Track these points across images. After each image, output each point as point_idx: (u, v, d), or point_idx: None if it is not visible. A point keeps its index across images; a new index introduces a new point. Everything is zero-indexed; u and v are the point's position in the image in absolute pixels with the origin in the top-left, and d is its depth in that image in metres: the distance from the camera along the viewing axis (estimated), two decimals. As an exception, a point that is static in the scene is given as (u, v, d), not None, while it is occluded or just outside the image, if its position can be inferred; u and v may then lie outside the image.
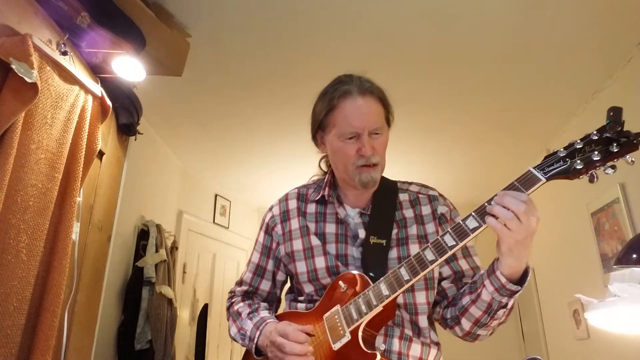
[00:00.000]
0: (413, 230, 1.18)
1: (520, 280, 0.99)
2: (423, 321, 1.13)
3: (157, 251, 2.70)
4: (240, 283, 1.34)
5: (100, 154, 1.98)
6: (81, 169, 1.70)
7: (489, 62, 2.42)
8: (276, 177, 3.90)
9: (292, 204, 1.28)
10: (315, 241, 1.19)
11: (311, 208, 1.25)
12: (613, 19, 2.10)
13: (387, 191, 1.24)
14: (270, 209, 1.32)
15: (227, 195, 4.26)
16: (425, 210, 1.21)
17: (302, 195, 1.29)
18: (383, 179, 1.25)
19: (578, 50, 2.31)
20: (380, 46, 2.31)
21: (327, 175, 1.29)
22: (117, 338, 2.51)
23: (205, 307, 3.63)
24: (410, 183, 1.29)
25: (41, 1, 1.59)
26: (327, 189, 1.24)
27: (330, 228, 1.20)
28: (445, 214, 1.22)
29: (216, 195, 4.13)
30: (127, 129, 2.24)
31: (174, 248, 3.06)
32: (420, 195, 1.25)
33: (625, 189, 2.38)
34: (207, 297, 3.79)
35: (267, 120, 3.01)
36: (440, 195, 1.26)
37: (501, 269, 0.98)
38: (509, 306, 1.03)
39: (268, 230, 1.29)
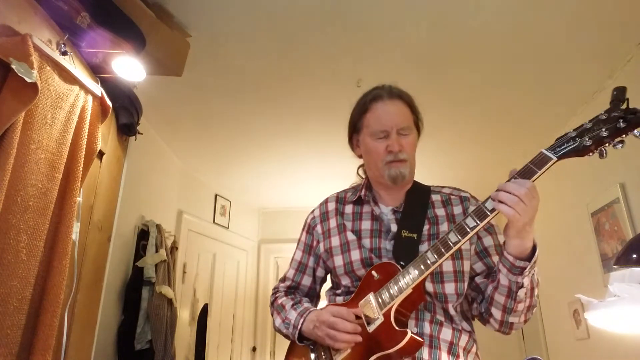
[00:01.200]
0: (444, 227, 1.24)
1: (529, 257, 1.06)
2: (453, 310, 1.19)
3: (157, 251, 2.70)
4: (283, 280, 1.44)
5: (100, 154, 1.98)
6: (81, 169, 1.70)
7: (488, 62, 2.42)
8: (276, 177, 3.90)
9: (331, 205, 1.40)
10: (351, 237, 1.28)
11: (348, 209, 1.36)
12: (613, 19, 2.09)
13: (420, 192, 1.34)
14: (312, 211, 1.44)
15: (227, 195, 4.26)
16: (457, 210, 1.28)
17: (340, 198, 1.41)
18: (416, 182, 1.36)
19: (578, 50, 2.31)
20: (380, 47, 2.31)
21: (364, 180, 1.40)
22: (117, 338, 2.51)
23: (205, 307, 3.63)
24: (443, 186, 1.38)
25: (41, 1, 1.59)
26: (363, 190, 1.35)
27: (366, 225, 1.29)
28: None
29: (216, 195, 4.13)
30: (127, 129, 2.24)
31: (174, 248, 3.06)
32: (452, 197, 1.32)
33: (625, 189, 2.38)
34: (207, 297, 3.79)
35: (267, 120, 3.01)
36: (472, 196, 1.33)
37: (508, 249, 1.06)
38: (525, 285, 1.08)
39: (309, 229, 1.41)
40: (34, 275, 1.45)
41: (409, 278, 1.09)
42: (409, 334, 1.05)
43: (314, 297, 1.44)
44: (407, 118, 1.28)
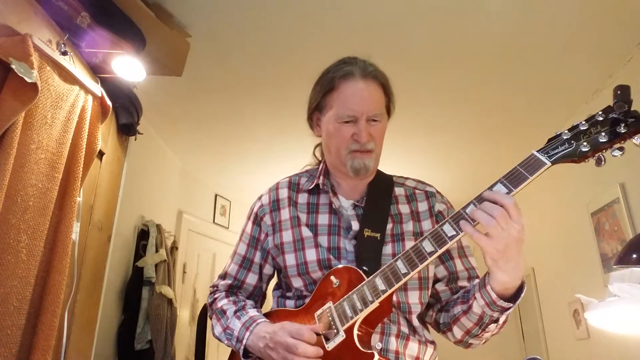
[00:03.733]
0: (409, 226, 1.12)
1: (514, 296, 0.92)
2: (416, 320, 1.10)
3: (157, 251, 2.70)
4: (224, 276, 1.26)
5: (100, 154, 1.98)
6: (81, 169, 1.70)
7: (488, 62, 2.42)
8: (276, 177, 3.87)
9: (283, 193, 1.22)
10: (306, 232, 1.13)
11: (303, 198, 1.19)
12: (613, 19, 2.09)
13: (383, 184, 1.19)
14: (260, 197, 1.26)
15: (227, 195, 4.26)
16: (422, 206, 1.17)
17: (293, 185, 1.24)
18: (379, 172, 1.21)
19: (578, 50, 2.31)
20: (380, 46, 2.31)
21: (321, 164, 1.24)
22: (117, 338, 2.51)
23: (205, 307, 3.62)
24: (407, 178, 1.25)
25: (41, 1, 1.59)
26: (321, 177, 1.19)
27: (323, 219, 1.14)
28: (443, 212, 1.17)
29: (216, 195, 4.13)
30: (127, 129, 2.24)
31: (174, 248, 3.06)
32: (417, 191, 1.20)
33: (625, 189, 2.38)
34: (207, 297, 3.79)
35: (267, 120, 3.01)
36: (438, 192, 1.22)
37: (492, 283, 0.91)
38: (500, 321, 0.98)
39: (256, 220, 1.23)
40: (34, 275, 1.44)
41: (376, 290, 0.94)
42: (376, 357, 0.92)
43: (259, 297, 1.27)
44: (380, 103, 1.11)
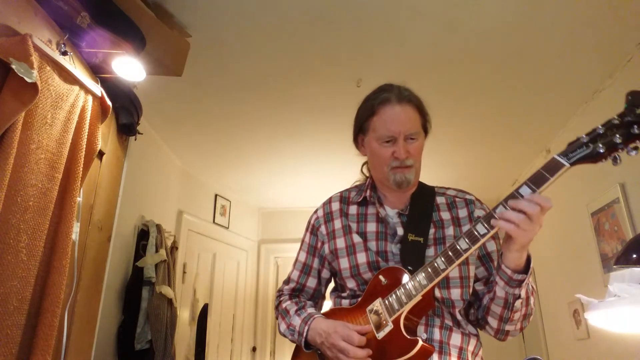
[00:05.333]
0: (450, 231, 1.24)
1: (525, 269, 1.06)
2: (459, 315, 1.20)
3: (157, 251, 2.70)
4: (287, 281, 1.41)
5: (100, 154, 1.98)
6: (81, 169, 1.70)
7: (489, 62, 2.42)
8: (276, 177, 3.90)
9: (335, 206, 1.37)
10: (357, 239, 1.27)
11: (353, 209, 1.34)
12: (613, 19, 2.09)
13: (425, 194, 1.32)
14: (315, 211, 1.42)
15: (227, 195, 4.26)
16: (462, 213, 1.27)
17: (344, 198, 1.38)
18: (421, 183, 1.34)
19: (578, 50, 2.31)
20: (380, 47, 2.31)
21: (368, 180, 1.37)
22: (117, 338, 2.51)
23: (205, 307, 3.63)
24: (448, 188, 1.37)
25: (41, 1, 1.59)
26: (368, 190, 1.33)
27: (371, 227, 1.28)
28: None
29: (216, 195, 4.13)
30: (127, 129, 2.24)
31: (174, 248, 3.06)
32: (457, 199, 1.31)
33: (625, 189, 2.38)
34: (207, 297, 3.79)
35: (267, 120, 3.01)
36: (477, 199, 1.32)
37: (506, 262, 1.05)
38: (522, 296, 1.08)
39: (313, 230, 1.38)
40: (34, 275, 1.45)
41: (418, 285, 1.08)
42: (420, 343, 1.05)
43: (319, 299, 1.42)
44: (416, 123, 1.26)
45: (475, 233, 1.03)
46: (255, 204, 4.58)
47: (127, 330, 2.51)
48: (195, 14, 2.10)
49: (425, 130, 1.32)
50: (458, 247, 1.04)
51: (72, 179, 1.65)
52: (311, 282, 1.38)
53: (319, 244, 1.36)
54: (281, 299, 1.40)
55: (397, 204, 1.30)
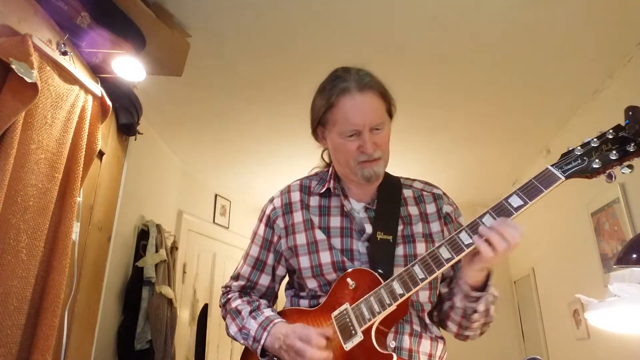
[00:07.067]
0: (419, 228, 1.17)
1: (483, 285, 1.04)
2: (427, 318, 1.15)
3: (157, 251, 2.70)
4: (236, 277, 1.28)
5: (100, 154, 1.98)
6: (81, 169, 1.70)
7: (488, 62, 2.42)
8: (276, 176, 3.89)
9: (295, 196, 1.25)
10: (319, 235, 1.16)
11: (314, 201, 1.22)
12: (613, 19, 2.09)
13: (391, 186, 1.23)
14: (271, 200, 1.28)
15: (227, 195, 4.26)
16: (430, 208, 1.21)
17: (305, 187, 1.26)
18: (386, 174, 1.24)
19: (578, 50, 2.31)
20: (379, 47, 2.31)
21: (330, 168, 1.26)
22: (117, 338, 2.51)
23: (205, 307, 3.63)
24: (414, 180, 1.28)
25: (41, 1, 1.59)
26: (332, 181, 1.22)
27: (335, 222, 1.18)
28: (450, 214, 1.22)
29: (216, 195, 4.13)
30: (127, 129, 2.24)
31: (174, 248, 3.06)
32: (424, 193, 1.24)
33: (625, 189, 2.38)
34: (207, 297, 3.79)
35: (267, 120, 3.01)
36: (444, 194, 1.25)
37: (465, 278, 1.03)
38: (479, 310, 1.05)
39: (269, 222, 1.25)
40: (34, 275, 1.44)
41: (394, 294, 0.99)
42: (395, 358, 0.96)
43: (272, 298, 1.29)
44: (380, 112, 1.12)
45: (460, 243, 0.97)
46: (255, 204, 4.58)
47: (127, 330, 2.51)
48: (195, 14, 2.10)
49: (391, 115, 1.18)
50: (440, 257, 0.97)
51: (72, 179, 1.65)
52: (264, 280, 1.25)
53: (275, 238, 1.22)
54: (229, 296, 1.26)
55: (363, 197, 1.20)
